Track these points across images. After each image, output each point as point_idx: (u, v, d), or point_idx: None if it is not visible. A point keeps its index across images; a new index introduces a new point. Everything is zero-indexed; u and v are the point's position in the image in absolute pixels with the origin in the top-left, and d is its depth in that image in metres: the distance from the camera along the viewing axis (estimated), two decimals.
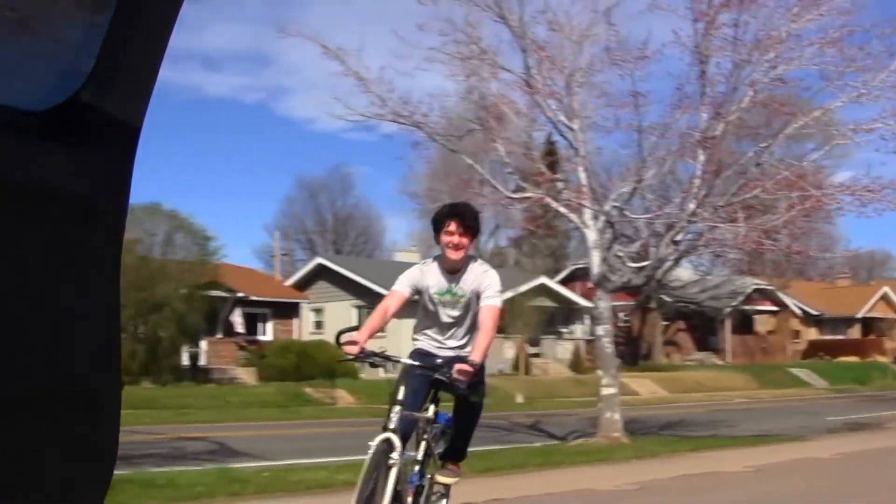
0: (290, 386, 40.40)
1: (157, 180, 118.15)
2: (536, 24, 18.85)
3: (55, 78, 1.46)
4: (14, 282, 1.38)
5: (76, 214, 1.49)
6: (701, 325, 66.16)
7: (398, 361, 7.56)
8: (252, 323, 51.15)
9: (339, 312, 55.11)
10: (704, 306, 62.29)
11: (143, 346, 42.17)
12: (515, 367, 51.84)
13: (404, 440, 7.15)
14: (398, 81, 23.20)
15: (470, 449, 17.28)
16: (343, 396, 39.19)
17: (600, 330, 19.14)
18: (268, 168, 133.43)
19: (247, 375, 46.53)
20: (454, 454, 8.05)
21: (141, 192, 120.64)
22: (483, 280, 7.69)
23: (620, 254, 19.93)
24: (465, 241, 7.61)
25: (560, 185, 19.49)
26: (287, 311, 52.92)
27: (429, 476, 7.88)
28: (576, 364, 53.64)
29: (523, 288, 53.91)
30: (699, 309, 63.01)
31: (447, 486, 7.99)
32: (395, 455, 6.93)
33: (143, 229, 44.32)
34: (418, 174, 59.05)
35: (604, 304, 19.05)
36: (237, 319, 49.55)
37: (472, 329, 7.82)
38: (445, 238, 7.59)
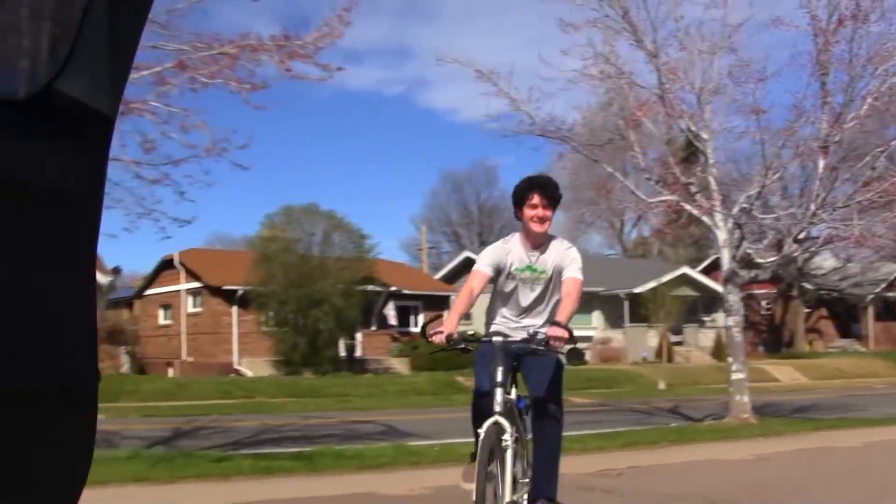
0: (441, 375, 41.78)
1: (306, 174, 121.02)
2: (668, 45, 20.45)
3: (30, 65, 1.38)
4: (15, 281, 1.38)
5: (76, 212, 1.47)
6: (843, 313, 65.81)
7: (488, 341, 7.22)
8: (404, 315, 52.96)
9: (486, 304, 56.83)
10: (846, 294, 62.38)
11: (304, 339, 44.42)
12: (658, 355, 52.79)
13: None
14: (543, 90, 24.77)
15: (610, 430, 19.20)
16: None
17: (730, 321, 20.66)
18: (411, 160, 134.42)
19: (400, 365, 48.32)
20: (544, 489, 7.49)
21: (296, 190, 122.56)
22: (566, 257, 7.52)
23: (749, 251, 21.56)
24: (548, 213, 7.45)
25: (693, 188, 21.12)
26: (437, 303, 54.20)
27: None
28: (717, 351, 53.93)
29: (665, 278, 54.98)
30: (841, 296, 63.12)
31: None
32: (507, 437, 6.75)
33: (303, 229, 46.72)
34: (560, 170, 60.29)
35: (733, 297, 20.64)
36: (390, 312, 51.48)
37: (553, 309, 7.62)
38: (529, 212, 7.42)
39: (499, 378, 6.82)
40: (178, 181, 13.79)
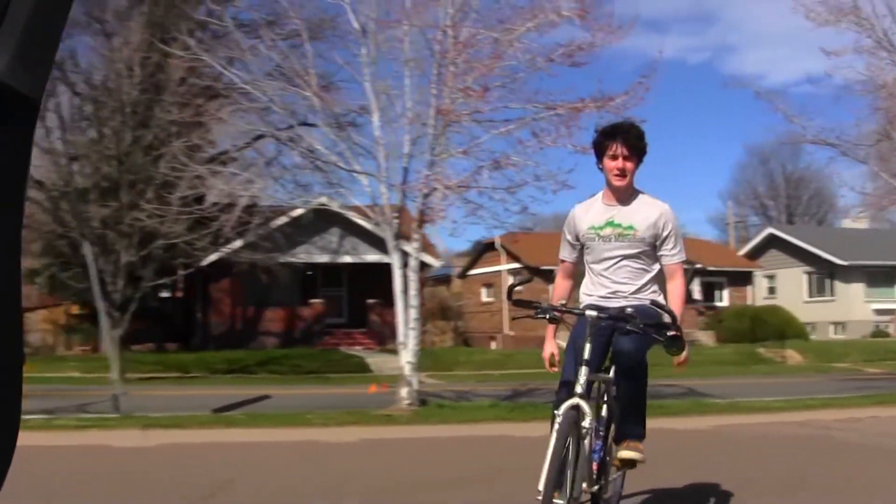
0: (744, 347, 44.01)
1: None
2: None
3: None
4: None
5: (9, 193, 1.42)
6: None
7: (581, 314, 6.43)
8: (710, 290, 55.68)
9: (791, 279, 58.48)
10: None
11: None
12: None
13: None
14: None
15: (875, 393, 22.14)
16: (792, 356, 42.10)
17: None
18: (718, 128, 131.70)
19: (706, 338, 50.75)
20: (630, 431, 6.74)
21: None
22: (659, 221, 6.65)
23: None
24: (629, 165, 6.59)
25: None
26: (741, 279, 56.76)
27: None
28: None
29: None
30: None
31: (628, 464, 6.84)
32: (587, 423, 6.09)
33: None
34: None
35: None
36: (695, 287, 54.66)
37: (647, 273, 6.75)
38: (609, 163, 6.60)
39: (585, 355, 6.20)
40: (522, 199, 18.44)
